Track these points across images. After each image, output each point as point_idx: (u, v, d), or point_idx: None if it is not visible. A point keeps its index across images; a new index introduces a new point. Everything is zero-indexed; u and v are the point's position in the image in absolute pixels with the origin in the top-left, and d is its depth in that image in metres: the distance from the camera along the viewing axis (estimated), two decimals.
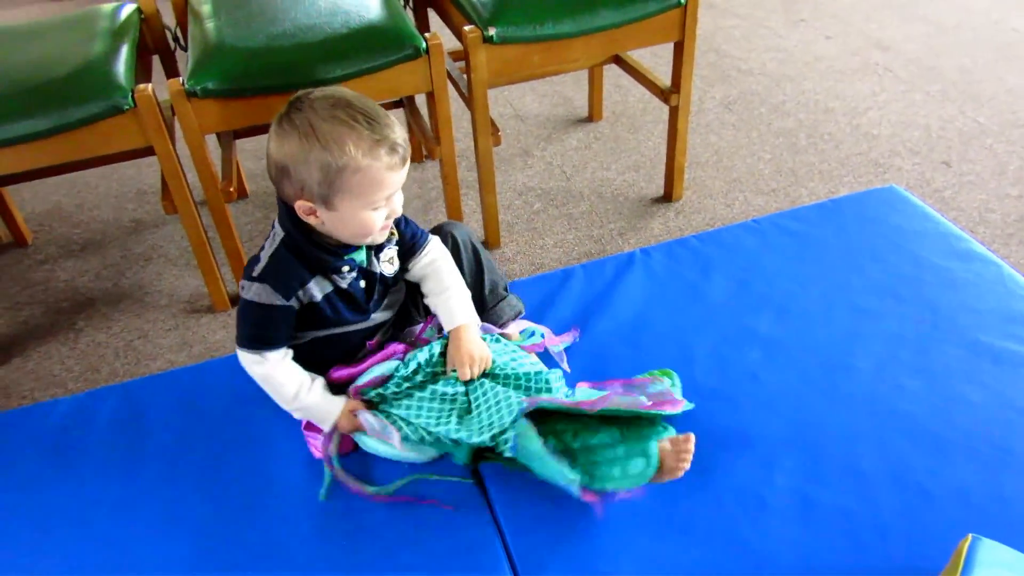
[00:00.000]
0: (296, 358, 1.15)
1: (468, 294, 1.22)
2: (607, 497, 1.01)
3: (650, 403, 1.07)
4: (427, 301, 1.23)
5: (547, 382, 1.13)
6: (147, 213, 2.26)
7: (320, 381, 1.14)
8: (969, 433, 1.11)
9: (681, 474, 1.02)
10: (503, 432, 1.04)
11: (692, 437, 1.03)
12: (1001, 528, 0.94)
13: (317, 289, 1.10)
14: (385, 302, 1.21)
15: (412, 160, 2.53)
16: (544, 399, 1.07)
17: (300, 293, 1.09)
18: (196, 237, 1.75)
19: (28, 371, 1.78)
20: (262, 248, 1.11)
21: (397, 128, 1.05)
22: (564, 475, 0.99)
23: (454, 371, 1.14)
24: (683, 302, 1.38)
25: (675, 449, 1.02)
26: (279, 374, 1.12)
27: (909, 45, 2.78)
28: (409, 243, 1.21)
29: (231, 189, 1.70)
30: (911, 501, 1.02)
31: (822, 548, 0.98)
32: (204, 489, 1.13)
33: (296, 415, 1.15)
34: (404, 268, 1.22)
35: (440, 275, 1.22)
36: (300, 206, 1.05)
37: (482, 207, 1.97)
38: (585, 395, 1.12)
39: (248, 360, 1.12)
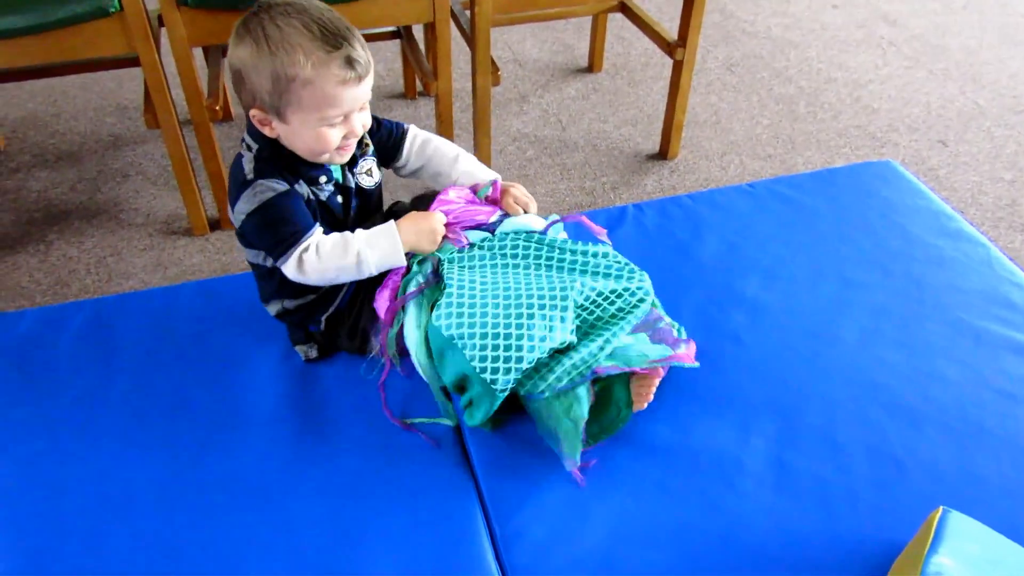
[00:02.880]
0: (279, 286, 1.11)
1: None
2: (588, 465, 1.01)
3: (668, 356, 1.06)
4: (441, 180, 1.19)
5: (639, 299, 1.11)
6: (127, 128, 2.19)
7: (358, 231, 1.07)
8: (945, 409, 1.11)
9: (643, 405, 1.04)
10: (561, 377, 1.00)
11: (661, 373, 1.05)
12: (970, 503, 0.95)
13: (304, 190, 1.06)
14: (367, 220, 1.15)
15: (405, 96, 2.47)
16: (614, 367, 1.02)
17: (296, 186, 1.05)
18: (178, 155, 1.70)
19: None
20: (238, 164, 1.06)
21: (357, 43, 0.98)
22: (574, 449, 0.97)
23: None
24: (672, 260, 1.36)
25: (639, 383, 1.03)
26: (326, 252, 1.04)
27: (916, 21, 2.74)
28: (389, 141, 1.17)
29: (216, 107, 1.64)
30: (884, 472, 1.03)
31: (795, 513, 0.98)
32: (172, 410, 1.11)
33: (364, 266, 1.05)
34: (394, 167, 1.20)
35: (442, 148, 1.19)
36: (254, 115, 1.01)
37: (475, 149, 1.93)
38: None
39: (296, 266, 1.03)
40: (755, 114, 2.28)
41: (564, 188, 2.00)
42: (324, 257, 1.04)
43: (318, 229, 1.05)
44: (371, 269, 1.06)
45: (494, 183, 1.17)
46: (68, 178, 2.01)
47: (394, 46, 2.43)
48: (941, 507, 0.88)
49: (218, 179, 1.78)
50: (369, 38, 2.11)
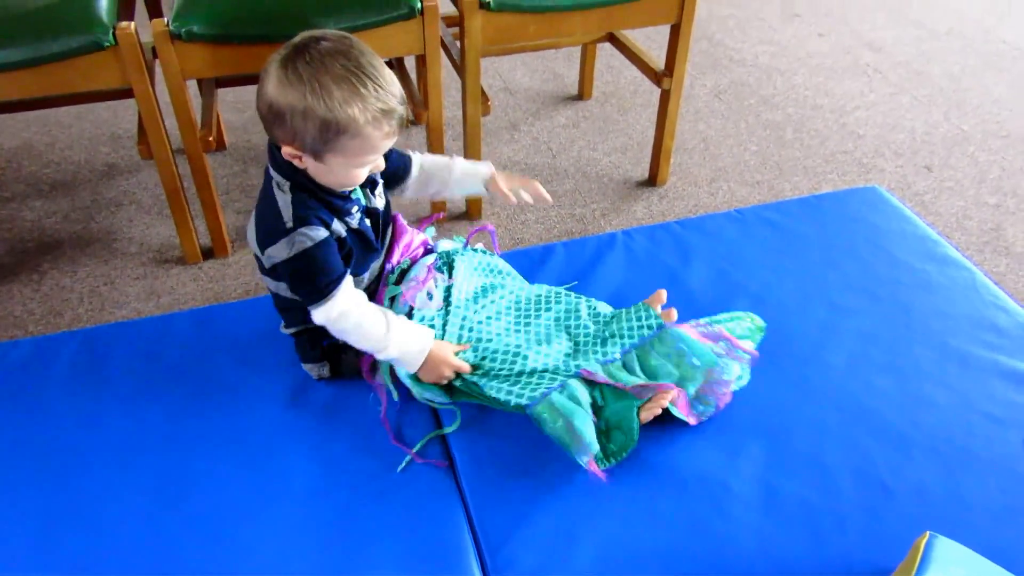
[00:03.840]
0: (305, 316, 1.12)
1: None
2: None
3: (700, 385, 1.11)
4: (443, 192, 1.30)
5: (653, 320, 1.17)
6: (121, 158, 2.21)
7: (398, 321, 1.12)
8: (932, 433, 1.12)
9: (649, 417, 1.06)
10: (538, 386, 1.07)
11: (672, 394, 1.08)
12: (957, 528, 0.95)
13: (340, 227, 1.09)
14: (381, 238, 1.20)
15: None
16: (600, 378, 1.09)
17: (332, 227, 1.07)
18: (171, 184, 1.71)
19: None
20: (271, 207, 1.06)
21: (398, 91, 1.02)
22: (589, 445, 1.01)
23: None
24: (661, 286, 1.36)
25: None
26: (358, 309, 1.09)
27: (900, 48, 2.79)
28: (398, 171, 1.23)
29: (210, 138, 1.66)
30: (872, 497, 1.03)
31: (783, 538, 0.99)
32: (165, 439, 1.11)
33: (383, 355, 1.10)
34: (397, 191, 1.27)
35: (437, 161, 1.28)
36: (287, 151, 1.03)
37: None
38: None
39: (327, 314, 1.08)
40: (743, 141, 2.31)
41: (554, 215, 2.02)
42: (354, 329, 1.09)
43: (348, 280, 1.09)
44: (383, 358, 1.11)
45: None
46: (62, 207, 2.02)
47: None
48: (928, 532, 0.88)
49: (211, 208, 1.79)
50: None
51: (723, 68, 2.66)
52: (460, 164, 1.28)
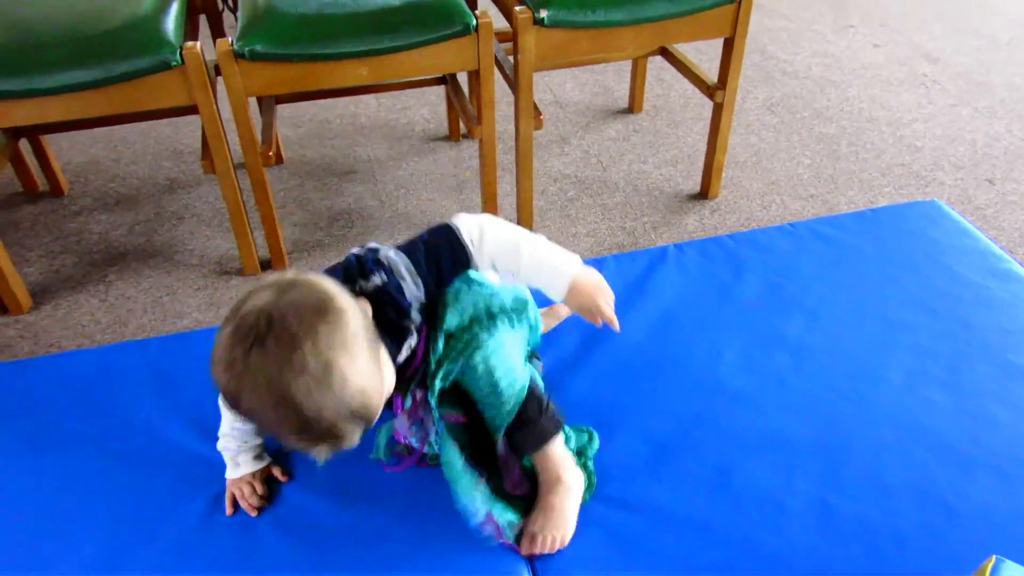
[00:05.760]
0: None
1: (542, 238, 0.99)
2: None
3: None
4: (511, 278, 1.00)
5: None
6: (182, 173, 2.28)
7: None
8: (995, 452, 1.09)
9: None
10: None
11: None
12: None
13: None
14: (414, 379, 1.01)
15: (449, 139, 2.51)
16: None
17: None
18: (233, 199, 1.76)
19: (57, 319, 1.80)
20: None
21: (346, 408, 0.78)
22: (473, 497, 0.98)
23: None
24: (714, 300, 1.37)
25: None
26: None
27: (959, 58, 2.73)
28: (429, 293, 0.95)
29: (270, 153, 1.70)
30: (933, 517, 1.01)
31: (840, 557, 0.97)
32: None
33: (221, 444, 1.07)
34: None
35: (500, 247, 0.96)
36: None
37: (517, 190, 1.96)
38: None
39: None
40: (796, 154, 2.29)
41: (605, 228, 2.02)
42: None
43: None
44: (219, 444, 1.08)
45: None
46: (127, 220, 2.10)
47: (439, 90, 2.50)
48: (994, 556, 0.86)
49: (269, 221, 1.84)
50: (415, 84, 2.18)
51: (775, 81, 2.64)
52: (529, 261, 1.01)
